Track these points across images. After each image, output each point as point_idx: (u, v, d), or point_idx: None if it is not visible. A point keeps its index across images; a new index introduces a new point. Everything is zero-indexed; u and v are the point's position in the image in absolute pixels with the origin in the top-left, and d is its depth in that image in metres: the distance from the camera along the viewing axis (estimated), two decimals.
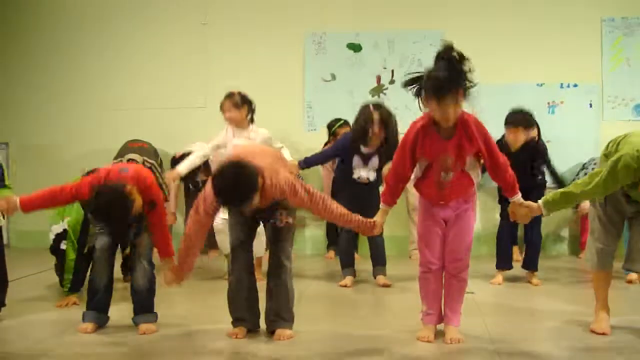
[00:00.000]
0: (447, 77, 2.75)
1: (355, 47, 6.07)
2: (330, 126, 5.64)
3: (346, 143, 4.42)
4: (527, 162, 4.46)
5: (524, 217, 2.96)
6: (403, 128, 5.48)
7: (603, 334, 3.08)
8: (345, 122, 5.44)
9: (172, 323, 3.37)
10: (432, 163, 2.89)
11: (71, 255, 3.72)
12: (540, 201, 2.94)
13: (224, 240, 4.39)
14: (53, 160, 6.23)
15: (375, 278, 4.43)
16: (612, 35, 5.83)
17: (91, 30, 6.30)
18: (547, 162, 4.57)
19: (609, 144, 3.12)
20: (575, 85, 5.85)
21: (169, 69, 6.15)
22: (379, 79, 6.04)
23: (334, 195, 4.69)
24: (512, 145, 4.45)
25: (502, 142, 4.40)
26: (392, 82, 6.02)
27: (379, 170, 4.42)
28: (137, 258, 3.26)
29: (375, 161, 4.39)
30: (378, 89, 6.05)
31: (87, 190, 3.03)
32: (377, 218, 3.02)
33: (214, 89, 5.79)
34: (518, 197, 2.94)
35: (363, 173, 4.39)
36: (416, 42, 5.97)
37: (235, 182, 2.73)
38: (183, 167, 4.51)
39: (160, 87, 6.14)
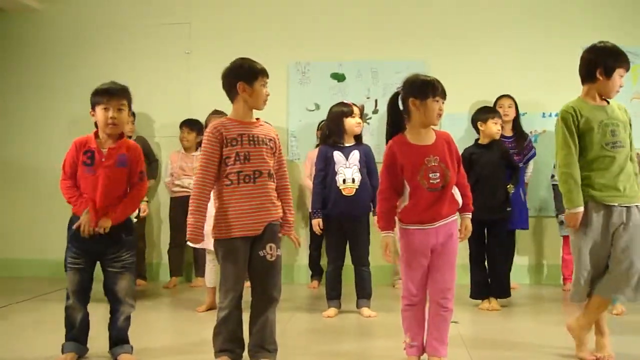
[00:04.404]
0: (436, 80, 3.02)
1: (339, 77, 6.10)
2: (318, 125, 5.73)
3: (323, 148, 4.50)
4: (499, 152, 4.74)
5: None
6: None
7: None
8: None
9: (153, 354, 3.31)
10: (417, 170, 2.91)
11: None
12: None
13: (212, 271, 4.36)
14: (33, 198, 6.18)
15: (359, 309, 4.40)
16: None
17: (74, 59, 6.28)
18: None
19: None
20: (557, 115, 5.86)
21: (151, 97, 6.13)
22: (362, 108, 6.04)
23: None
24: (494, 135, 4.72)
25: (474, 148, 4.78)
26: (375, 111, 6.04)
27: (362, 173, 4.38)
28: (121, 299, 3.21)
29: (356, 154, 4.40)
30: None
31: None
32: (387, 246, 2.98)
33: (198, 117, 5.79)
34: (470, 215, 3.08)
35: (347, 172, 4.36)
36: (399, 72, 5.98)
37: None
38: None
39: (142, 116, 6.11)
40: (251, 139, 3.03)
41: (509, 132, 5.51)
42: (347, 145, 4.44)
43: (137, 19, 6.26)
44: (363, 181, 4.37)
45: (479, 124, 4.80)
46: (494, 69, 5.89)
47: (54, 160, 6.16)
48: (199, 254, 5.49)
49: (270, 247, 3.01)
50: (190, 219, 2.96)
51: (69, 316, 3.23)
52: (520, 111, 5.65)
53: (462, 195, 3.05)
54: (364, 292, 4.40)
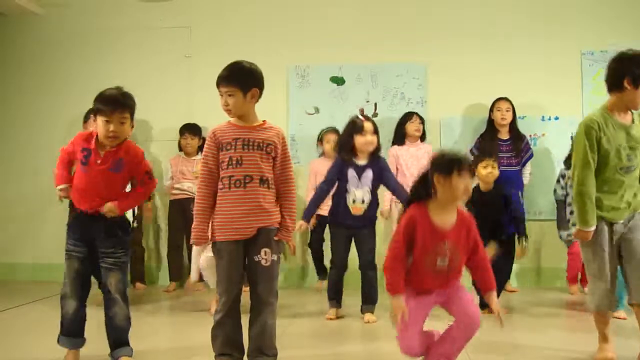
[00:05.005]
0: (463, 154, 2.85)
1: (339, 80, 6.11)
2: (319, 135, 5.67)
3: (340, 160, 4.41)
4: (501, 200, 4.51)
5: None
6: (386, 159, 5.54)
7: None
8: (333, 129, 5.48)
9: (153, 357, 3.31)
10: (427, 252, 2.80)
11: None
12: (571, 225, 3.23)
13: (211, 276, 4.37)
14: (33, 201, 6.18)
15: (362, 313, 4.39)
16: (592, 68, 5.90)
17: (74, 63, 6.29)
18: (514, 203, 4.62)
19: None
20: (557, 118, 5.90)
21: (153, 101, 6.13)
22: (362, 112, 6.06)
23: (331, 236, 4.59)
24: (487, 181, 4.51)
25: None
26: (375, 115, 6.04)
27: (373, 193, 4.38)
28: (111, 295, 3.17)
29: (369, 175, 4.35)
30: None
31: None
32: (401, 310, 2.76)
33: (198, 120, 5.80)
34: (495, 293, 2.89)
35: (358, 194, 4.34)
36: (399, 75, 6.01)
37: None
38: None
39: (144, 119, 6.12)
40: (246, 143, 3.01)
41: (505, 135, 5.52)
42: (361, 164, 4.36)
43: (137, 22, 6.27)
44: (372, 200, 4.39)
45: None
46: (493, 72, 5.89)
47: (53, 164, 6.19)
48: (195, 261, 5.54)
49: (265, 252, 2.99)
50: (194, 222, 2.99)
51: (62, 307, 3.19)
52: (520, 115, 5.66)
53: (483, 277, 2.88)
54: (369, 298, 4.39)
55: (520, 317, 4.52)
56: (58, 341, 3.20)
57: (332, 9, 6.14)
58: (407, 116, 5.60)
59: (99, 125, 3.16)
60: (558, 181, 5.40)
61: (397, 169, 5.42)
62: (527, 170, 5.62)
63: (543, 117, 5.93)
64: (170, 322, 4.62)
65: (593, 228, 3.11)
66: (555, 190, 5.43)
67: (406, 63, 6.00)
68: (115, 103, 3.14)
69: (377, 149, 4.41)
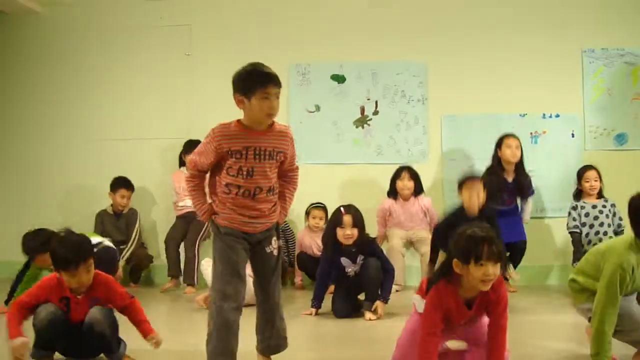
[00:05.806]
0: (487, 237, 2.53)
1: (339, 78, 6.10)
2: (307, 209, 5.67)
3: (327, 258, 4.49)
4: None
5: None
6: (386, 158, 5.54)
7: None
8: (319, 205, 5.57)
9: (152, 357, 3.30)
10: (451, 322, 2.70)
11: None
12: None
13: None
14: (35, 199, 6.19)
15: (363, 310, 4.40)
16: (593, 66, 5.90)
17: (75, 62, 6.29)
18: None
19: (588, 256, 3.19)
20: (557, 116, 5.90)
21: (153, 100, 6.15)
22: (362, 109, 6.06)
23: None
24: (472, 206, 4.44)
25: (457, 214, 4.46)
26: (376, 112, 6.04)
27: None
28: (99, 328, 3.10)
29: (361, 257, 4.42)
30: (362, 120, 6.07)
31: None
32: None
33: (198, 119, 5.80)
34: None
35: (356, 268, 4.44)
36: (399, 73, 6.01)
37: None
38: None
39: (144, 118, 6.12)
40: (257, 153, 2.82)
41: (510, 176, 5.33)
42: (350, 251, 4.41)
43: (137, 20, 6.27)
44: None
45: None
46: (494, 70, 5.89)
47: (54, 162, 6.21)
48: (189, 261, 5.59)
49: (274, 240, 2.96)
50: (193, 204, 2.95)
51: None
52: (521, 112, 5.65)
53: (500, 340, 2.68)
54: (370, 296, 4.42)
55: (523, 314, 4.51)
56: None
57: (332, 7, 6.13)
58: (398, 172, 5.54)
59: (65, 279, 3.04)
60: (569, 214, 5.24)
61: (388, 215, 5.54)
62: (529, 207, 5.52)
63: (544, 114, 5.92)
64: (169, 322, 4.61)
65: None
66: (567, 224, 5.25)
67: (407, 61, 5.99)
68: (78, 256, 3.01)
69: (361, 238, 4.38)
